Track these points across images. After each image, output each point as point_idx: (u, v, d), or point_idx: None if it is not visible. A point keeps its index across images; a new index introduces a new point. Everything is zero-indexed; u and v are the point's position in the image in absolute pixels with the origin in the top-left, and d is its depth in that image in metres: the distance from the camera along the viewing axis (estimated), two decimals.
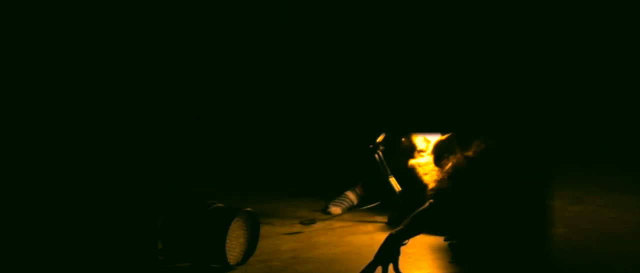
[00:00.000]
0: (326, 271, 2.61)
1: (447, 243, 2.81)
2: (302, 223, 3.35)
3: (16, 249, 2.21)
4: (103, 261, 2.30)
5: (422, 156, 3.02)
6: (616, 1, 4.75)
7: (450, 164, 2.60)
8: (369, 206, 3.51)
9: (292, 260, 2.75)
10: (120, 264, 2.33)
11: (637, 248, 2.74)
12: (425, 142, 3.11)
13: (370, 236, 3.10)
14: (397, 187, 3.31)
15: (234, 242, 2.64)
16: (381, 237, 2.49)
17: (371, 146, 3.35)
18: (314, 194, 3.88)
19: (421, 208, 2.54)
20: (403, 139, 3.26)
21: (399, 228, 2.47)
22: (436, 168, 2.69)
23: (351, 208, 3.59)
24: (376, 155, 3.34)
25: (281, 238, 3.09)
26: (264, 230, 2.91)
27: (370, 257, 2.42)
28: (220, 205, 2.73)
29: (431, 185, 2.65)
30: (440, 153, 2.69)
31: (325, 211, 3.57)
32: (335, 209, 3.56)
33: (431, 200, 2.56)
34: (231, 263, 2.62)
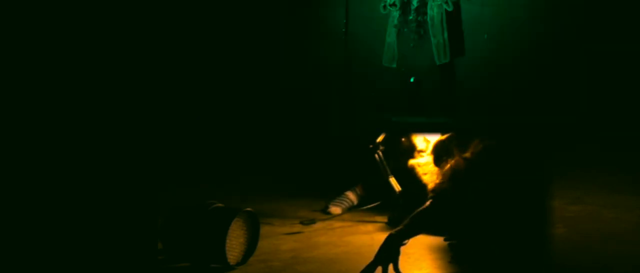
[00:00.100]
0: (326, 271, 2.61)
1: (447, 243, 2.81)
2: (302, 223, 3.35)
3: (16, 249, 2.21)
4: (103, 261, 2.30)
5: (422, 156, 3.02)
6: (616, 1, 4.76)
7: (450, 164, 2.60)
8: (369, 206, 3.51)
9: (292, 260, 2.75)
10: (120, 264, 2.33)
11: (637, 248, 2.74)
12: (425, 142, 3.11)
13: (370, 236, 3.10)
14: (397, 187, 3.31)
15: (234, 242, 2.64)
16: (381, 237, 2.48)
17: (371, 146, 3.35)
18: (314, 194, 3.88)
19: (421, 208, 2.54)
20: (403, 139, 3.26)
21: (399, 228, 2.47)
22: (436, 169, 2.70)
23: (351, 208, 3.59)
24: (376, 155, 3.34)
25: (281, 238, 3.09)
26: (264, 230, 2.91)
27: (370, 257, 2.42)
28: (220, 205, 2.73)
29: (431, 185, 2.65)
30: (440, 154, 2.70)
31: (325, 211, 3.57)
32: (335, 209, 3.56)
33: (431, 200, 2.56)
34: (231, 263, 2.62)
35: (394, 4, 3.75)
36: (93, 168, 2.29)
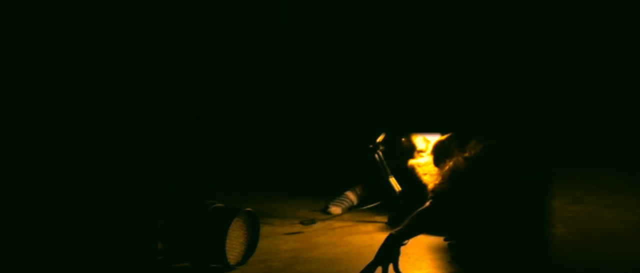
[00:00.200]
0: (326, 271, 2.61)
1: (447, 243, 2.81)
2: (302, 223, 3.35)
3: (17, 249, 2.21)
4: (103, 261, 2.30)
5: (422, 156, 3.02)
6: (616, 1, 4.75)
7: (450, 164, 2.60)
8: (369, 206, 3.51)
9: (292, 260, 2.75)
10: (120, 264, 2.33)
11: (637, 248, 2.74)
12: (425, 142, 3.11)
13: (370, 236, 3.10)
14: (397, 187, 3.31)
15: (234, 242, 2.64)
16: (381, 237, 2.49)
17: (371, 146, 3.35)
18: (314, 194, 3.88)
19: (421, 208, 2.54)
20: (403, 139, 3.26)
21: (399, 228, 2.47)
22: (436, 169, 2.70)
23: (351, 208, 3.59)
24: (376, 155, 3.34)
25: (281, 238, 3.09)
26: (264, 230, 2.91)
27: (370, 257, 2.42)
28: (220, 205, 2.73)
29: (431, 185, 2.65)
30: (439, 154, 2.70)
31: (325, 211, 3.57)
32: (335, 209, 3.56)
33: (431, 200, 2.56)
34: (231, 263, 2.62)
35: None
36: (93, 169, 2.29)
